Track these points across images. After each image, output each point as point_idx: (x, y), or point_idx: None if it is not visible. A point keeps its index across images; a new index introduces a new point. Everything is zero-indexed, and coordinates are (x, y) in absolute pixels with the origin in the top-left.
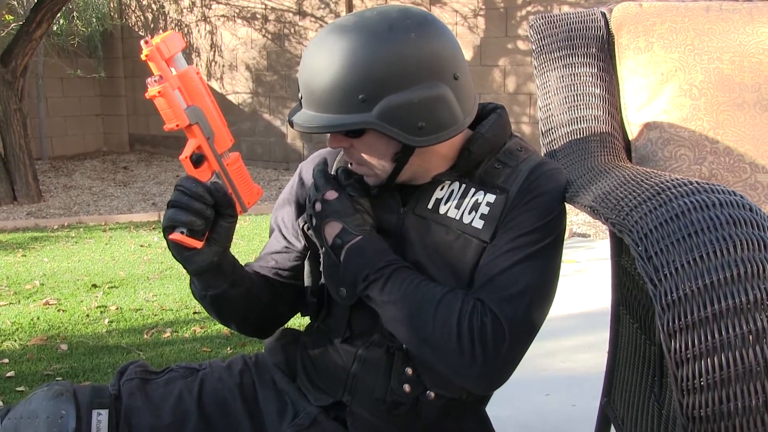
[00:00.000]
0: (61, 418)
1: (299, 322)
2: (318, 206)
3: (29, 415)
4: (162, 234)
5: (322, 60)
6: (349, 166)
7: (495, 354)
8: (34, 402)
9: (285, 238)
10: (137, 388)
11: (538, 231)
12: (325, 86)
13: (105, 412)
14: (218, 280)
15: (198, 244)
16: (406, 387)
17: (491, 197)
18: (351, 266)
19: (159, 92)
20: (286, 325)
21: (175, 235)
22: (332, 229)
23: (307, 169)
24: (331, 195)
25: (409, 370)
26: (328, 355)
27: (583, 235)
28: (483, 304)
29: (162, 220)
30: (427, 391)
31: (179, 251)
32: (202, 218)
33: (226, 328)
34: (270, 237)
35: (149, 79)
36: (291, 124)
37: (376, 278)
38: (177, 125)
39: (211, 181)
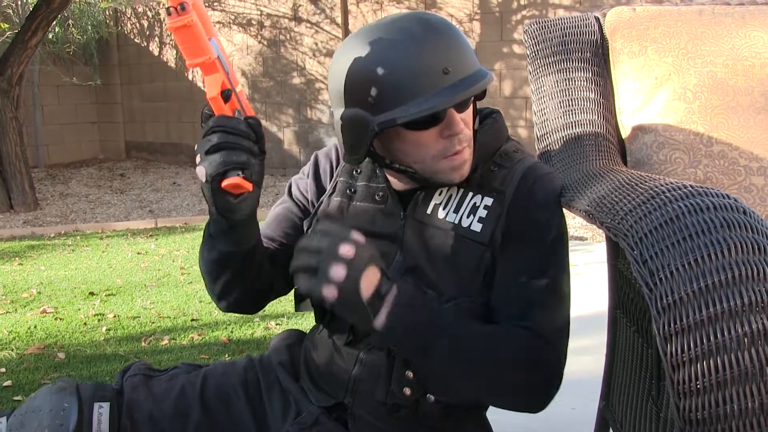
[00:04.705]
0: (63, 410)
1: (305, 324)
2: (349, 251)
3: (33, 409)
4: (206, 190)
5: (458, 37)
6: (458, 147)
7: (553, 375)
8: (38, 398)
9: (298, 206)
10: (140, 382)
11: (547, 245)
12: (467, 50)
13: (106, 405)
14: (253, 230)
15: (251, 186)
16: (407, 390)
17: (488, 200)
18: (392, 337)
19: (188, 23)
20: (291, 327)
21: (233, 179)
22: (369, 281)
23: (323, 160)
24: (360, 237)
25: (410, 374)
26: (330, 357)
27: (580, 239)
28: (530, 334)
29: (209, 167)
30: (428, 395)
31: (228, 201)
32: (253, 157)
33: (224, 335)
34: (277, 209)
35: (170, 9)
36: (461, 98)
37: (426, 347)
38: (207, 59)
39: (243, 117)
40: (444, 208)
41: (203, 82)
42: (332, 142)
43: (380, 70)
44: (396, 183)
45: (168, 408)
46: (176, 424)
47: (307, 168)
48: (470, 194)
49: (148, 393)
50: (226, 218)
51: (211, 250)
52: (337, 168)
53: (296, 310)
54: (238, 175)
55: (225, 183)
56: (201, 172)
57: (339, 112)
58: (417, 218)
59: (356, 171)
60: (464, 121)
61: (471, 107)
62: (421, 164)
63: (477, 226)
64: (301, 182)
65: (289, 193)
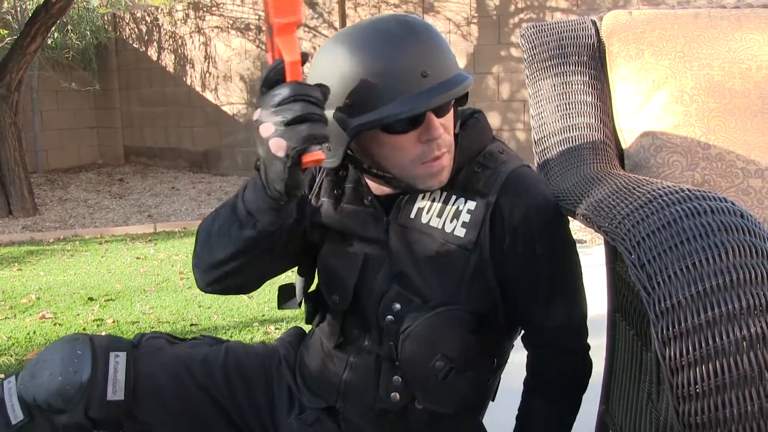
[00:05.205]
0: (77, 358)
1: (306, 329)
2: None
3: (44, 359)
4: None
5: (438, 41)
6: (437, 152)
7: (590, 373)
8: (50, 349)
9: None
10: (164, 345)
11: (562, 258)
12: (447, 54)
13: (123, 354)
14: (295, 205)
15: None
16: (395, 396)
17: (472, 204)
18: None
19: None
20: (296, 325)
21: (317, 155)
22: None
23: None
24: None
25: (398, 379)
26: (321, 361)
27: (579, 241)
28: (567, 363)
29: (293, 140)
30: (416, 402)
31: (298, 176)
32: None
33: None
34: None
35: None
36: (434, 104)
37: None
38: (297, 19)
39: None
40: (427, 213)
41: (271, 45)
42: None
43: (357, 73)
44: (376, 188)
45: (194, 370)
46: (201, 389)
47: None
48: (453, 198)
49: (173, 353)
50: (289, 194)
51: (247, 228)
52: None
53: (279, 308)
54: (319, 149)
55: (309, 158)
56: (279, 144)
57: None
58: (401, 223)
59: (341, 172)
60: (444, 126)
61: (451, 112)
62: (399, 169)
63: (461, 231)
64: None
65: None
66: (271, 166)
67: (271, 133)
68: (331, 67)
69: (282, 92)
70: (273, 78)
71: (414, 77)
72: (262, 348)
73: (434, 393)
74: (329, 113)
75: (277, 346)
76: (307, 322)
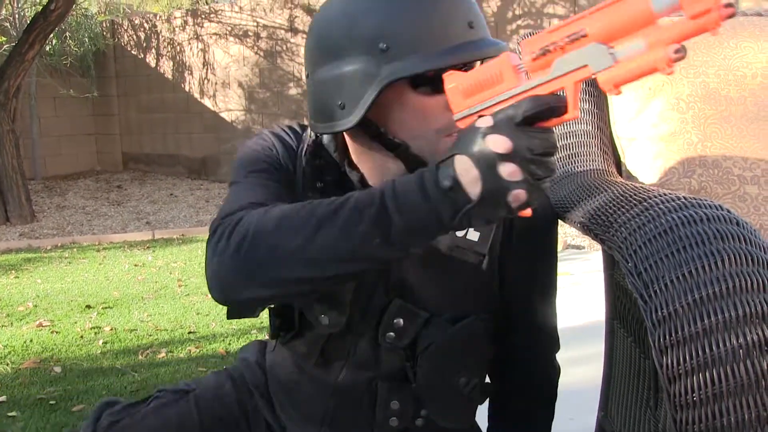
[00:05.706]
0: None
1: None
2: None
3: None
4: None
5: None
6: (449, 137)
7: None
8: None
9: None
10: (127, 422)
11: (554, 258)
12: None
13: None
14: None
15: None
16: (393, 421)
17: None
18: None
19: None
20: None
21: (530, 211)
22: None
23: (286, 137)
24: None
25: (396, 403)
26: (299, 383)
27: (578, 247)
28: (547, 358)
29: (535, 198)
30: (417, 420)
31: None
32: None
33: (221, 347)
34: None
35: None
36: (476, 55)
37: None
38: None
39: None
40: None
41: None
42: None
43: (398, 14)
44: (372, 177)
45: None
46: None
47: (269, 143)
48: None
49: (142, 429)
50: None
51: (396, 249)
52: (298, 154)
53: (228, 318)
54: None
55: (528, 214)
56: (520, 197)
57: (329, 67)
58: None
59: (318, 160)
60: None
61: None
62: (420, 140)
63: (474, 235)
64: (275, 158)
65: (275, 168)
66: (492, 207)
67: (519, 180)
68: (359, 5)
69: (548, 141)
70: (539, 116)
71: (461, 25)
72: (229, 381)
73: (455, 411)
74: (351, 61)
75: (242, 370)
76: (273, 337)
